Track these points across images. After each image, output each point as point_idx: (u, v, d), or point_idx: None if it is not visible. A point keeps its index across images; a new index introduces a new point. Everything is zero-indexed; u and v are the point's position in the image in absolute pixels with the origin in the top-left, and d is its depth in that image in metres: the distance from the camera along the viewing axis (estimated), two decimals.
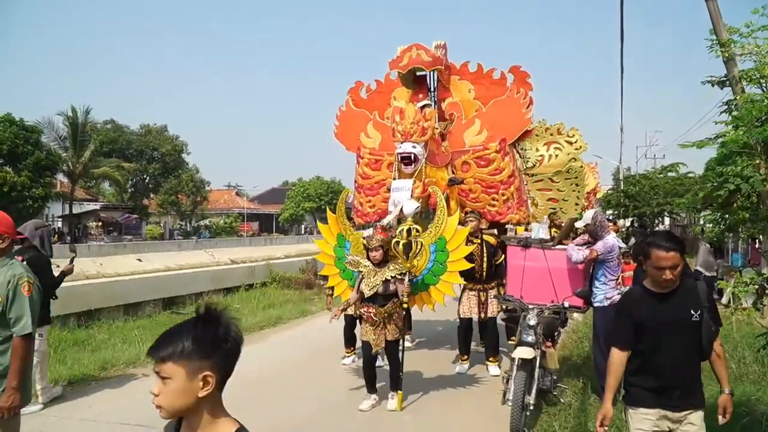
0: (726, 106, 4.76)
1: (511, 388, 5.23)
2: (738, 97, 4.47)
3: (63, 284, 7.01)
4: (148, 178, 46.54)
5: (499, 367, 7.34)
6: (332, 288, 7.07)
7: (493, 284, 7.34)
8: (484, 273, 7.20)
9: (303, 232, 49.02)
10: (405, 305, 5.92)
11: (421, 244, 5.89)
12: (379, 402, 6.06)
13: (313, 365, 7.75)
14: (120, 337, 9.05)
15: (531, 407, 5.26)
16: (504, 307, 7.38)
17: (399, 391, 5.97)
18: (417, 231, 5.89)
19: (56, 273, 6.53)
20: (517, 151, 9.35)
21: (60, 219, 38.75)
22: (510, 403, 5.17)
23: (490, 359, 7.45)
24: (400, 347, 6.07)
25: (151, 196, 47.44)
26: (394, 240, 5.85)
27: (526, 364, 5.33)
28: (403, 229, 5.88)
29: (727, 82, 4.75)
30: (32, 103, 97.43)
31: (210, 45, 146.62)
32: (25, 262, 5.62)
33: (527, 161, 9.47)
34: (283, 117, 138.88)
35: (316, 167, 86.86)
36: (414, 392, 6.44)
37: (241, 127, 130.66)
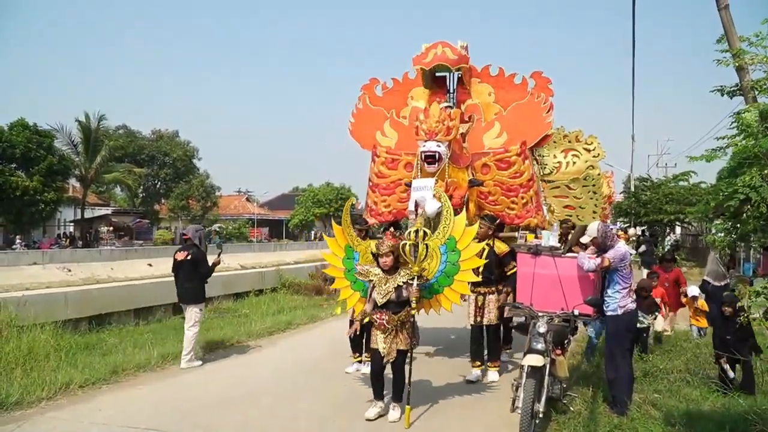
0: (737, 116, 4.75)
1: (521, 395, 5.21)
2: (749, 107, 4.47)
3: (75, 288, 7.23)
4: (159, 183, 46.91)
5: (499, 373, 7.35)
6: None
7: (492, 289, 7.21)
8: (480, 276, 6.92)
9: (313, 238, 49.12)
10: (414, 311, 5.80)
11: (428, 246, 5.80)
12: (385, 410, 5.98)
13: (322, 370, 7.75)
14: (131, 342, 9.09)
15: (540, 415, 5.24)
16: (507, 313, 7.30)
17: (407, 406, 5.76)
18: (425, 233, 5.82)
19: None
20: (535, 158, 9.36)
21: (72, 224, 39.03)
22: (519, 411, 5.15)
23: (489, 365, 7.39)
24: (408, 359, 5.94)
25: (162, 201, 47.77)
26: (402, 242, 5.77)
27: (536, 372, 5.31)
28: (411, 231, 5.81)
29: (738, 91, 4.75)
30: (44, 108, 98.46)
31: (222, 51, 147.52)
32: (190, 256, 7.86)
33: (544, 167, 9.49)
34: (293, 123, 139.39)
35: (326, 173, 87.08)
36: (424, 399, 6.39)
37: (252, 133, 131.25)
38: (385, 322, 5.72)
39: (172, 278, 8.22)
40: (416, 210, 6.87)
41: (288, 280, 16.22)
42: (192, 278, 8.04)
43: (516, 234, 7.98)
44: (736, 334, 6.63)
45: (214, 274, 8.40)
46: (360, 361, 7.63)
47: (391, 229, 7.43)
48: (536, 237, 7.25)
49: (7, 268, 11.85)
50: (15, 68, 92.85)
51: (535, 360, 5.34)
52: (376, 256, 5.89)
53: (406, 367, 5.88)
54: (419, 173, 7.28)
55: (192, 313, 8.05)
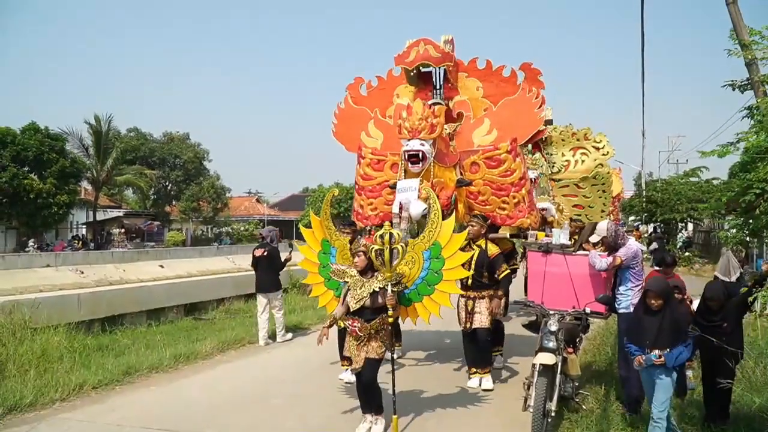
0: (748, 111, 4.72)
1: (532, 394, 5.20)
2: (759, 101, 4.44)
3: (87, 290, 7.29)
4: (170, 185, 47.16)
5: (491, 379, 6.93)
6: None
7: (483, 293, 6.82)
8: (469, 280, 6.69)
9: None
10: (391, 319, 5.34)
11: (404, 249, 5.37)
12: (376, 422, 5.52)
13: (331, 370, 7.71)
14: (143, 343, 9.15)
15: (552, 414, 5.21)
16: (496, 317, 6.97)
17: (394, 416, 5.36)
18: (398, 236, 5.38)
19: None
20: (543, 156, 9.24)
21: (84, 226, 39.32)
22: (531, 410, 5.14)
23: (479, 371, 6.95)
24: (391, 367, 5.59)
25: (173, 202, 47.99)
26: (370, 246, 5.38)
27: (548, 371, 5.29)
28: (379, 235, 5.36)
29: (749, 85, 4.72)
30: (54, 111, 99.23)
31: (232, 54, 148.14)
32: (266, 252, 9.50)
33: (553, 166, 9.35)
34: (303, 124, 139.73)
35: (335, 174, 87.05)
36: (415, 409, 6.12)
37: (262, 135, 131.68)
38: (357, 329, 5.32)
39: (184, 279, 8.26)
40: (401, 212, 6.57)
41: (298, 280, 16.21)
42: (269, 271, 9.56)
43: (507, 234, 7.64)
44: (721, 340, 5.23)
45: (226, 275, 8.52)
46: (349, 368, 7.10)
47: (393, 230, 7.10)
48: (546, 235, 7.17)
49: (20, 270, 11.95)
50: (25, 72, 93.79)
51: (546, 358, 5.31)
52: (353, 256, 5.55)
53: (388, 376, 5.52)
54: (404, 174, 6.95)
55: (276, 299, 9.69)
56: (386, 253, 5.26)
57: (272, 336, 9.77)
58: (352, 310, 5.35)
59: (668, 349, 4.64)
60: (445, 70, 7.77)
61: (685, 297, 6.50)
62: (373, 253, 5.33)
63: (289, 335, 9.98)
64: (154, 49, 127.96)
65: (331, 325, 5.63)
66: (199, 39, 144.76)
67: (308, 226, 6.18)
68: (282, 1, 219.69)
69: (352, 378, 6.74)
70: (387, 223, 5.70)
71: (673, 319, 4.75)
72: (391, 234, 5.32)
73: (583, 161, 9.30)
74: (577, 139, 9.38)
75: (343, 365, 7.22)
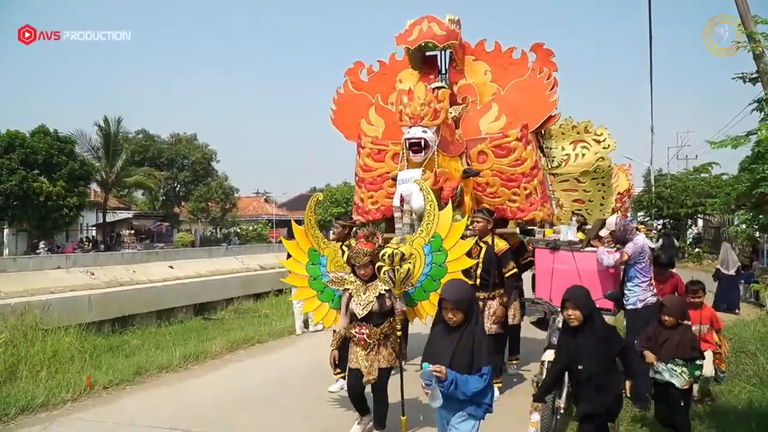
0: (758, 104, 4.69)
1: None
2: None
3: (98, 291, 7.35)
4: (178, 186, 47.32)
5: (500, 390, 6.37)
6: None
7: (493, 294, 6.35)
8: (478, 279, 6.26)
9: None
10: (399, 332, 5.07)
11: (413, 266, 4.97)
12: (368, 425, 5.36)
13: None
14: (153, 343, 9.21)
15: (562, 411, 5.19)
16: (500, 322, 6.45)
17: (403, 417, 4.97)
18: (402, 256, 4.90)
19: None
20: (543, 150, 9.10)
21: (94, 227, 39.53)
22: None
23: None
24: (399, 366, 5.23)
25: (182, 203, 48.17)
26: (377, 264, 4.93)
27: None
28: (386, 254, 4.85)
29: (759, 77, 4.69)
30: (57, 111, 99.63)
31: (232, 54, 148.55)
32: None
33: (552, 160, 9.14)
34: (303, 125, 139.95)
35: (343, 173, 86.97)
36: (417, 418, 5.78)
37: (264, 135, 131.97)
38: (365, 336, 4.97)
39: (194, 279, 8.29)
40: (402, 205, 6.09)
41: None
42: None
43: (517, 230, 7.15)
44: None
45: (234, 275, 8.53)
46: (344, 378, 6.32)
47: (397, 233, 6.29)
48: (554, 232, 7.11)
49: (32, 272, 12.06)
50: (26, 72, 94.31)
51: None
52: (352, 265, 5.15)
53: (396, 377, 5.16)
54: (405, 164, 6.43)
55: None
56: (398, 275, 4.85)
57: (305, 324, 10.16)
58: (359, 317, 5.00)
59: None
60: (450, 52, 7.21)
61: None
62: (383, 275, 4.90)
63: (301, 332, 10.09)
64: (154, 49, 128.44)
65: (338, 345, 5.32)
66: (199, 39, 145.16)
67: (319, 224, 5.71)
68: (282, 1, 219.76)
69: (342, 390, 6.36)
70: (394, 240, 5.32)
71: (475, 339, 3.52)
72: (401, 253, 4.89)
73: (583, 155, 9.01)
74: (578, 132, 9.10)
75: (335, 375, 6.60)
